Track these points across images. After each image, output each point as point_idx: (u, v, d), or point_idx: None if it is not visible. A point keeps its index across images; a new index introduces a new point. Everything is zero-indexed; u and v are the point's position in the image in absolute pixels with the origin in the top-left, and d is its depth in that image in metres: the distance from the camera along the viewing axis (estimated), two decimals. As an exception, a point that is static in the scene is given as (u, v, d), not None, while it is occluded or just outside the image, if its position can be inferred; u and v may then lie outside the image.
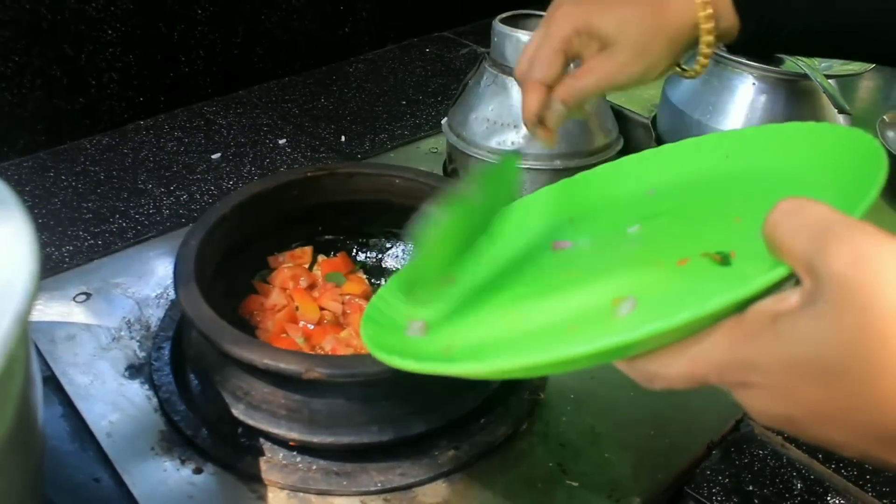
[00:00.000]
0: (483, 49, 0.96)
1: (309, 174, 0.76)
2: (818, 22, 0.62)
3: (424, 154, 1.08)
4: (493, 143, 0.91)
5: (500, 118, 0.91)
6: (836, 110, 1.01)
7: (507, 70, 0.91)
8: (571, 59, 0.62)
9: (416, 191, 0.77)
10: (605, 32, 0.59)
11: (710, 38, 0.60)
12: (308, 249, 0.79)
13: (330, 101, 1.21)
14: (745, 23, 0.61)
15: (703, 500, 0.62)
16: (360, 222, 0.80)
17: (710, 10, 0.59)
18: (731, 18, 0.61)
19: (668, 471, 0.63)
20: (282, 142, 1.09)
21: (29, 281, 0.40)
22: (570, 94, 0.61)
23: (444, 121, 0.99)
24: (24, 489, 0.46)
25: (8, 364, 0.36)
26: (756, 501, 0.62)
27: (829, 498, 0.62)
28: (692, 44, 0.61)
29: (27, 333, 0.45)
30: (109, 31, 1.04)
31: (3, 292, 0.39)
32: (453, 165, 0.98)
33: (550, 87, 0.61)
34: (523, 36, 0.88)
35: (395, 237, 0.81)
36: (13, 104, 0.99)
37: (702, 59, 0.63)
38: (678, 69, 0.65)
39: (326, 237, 0.81)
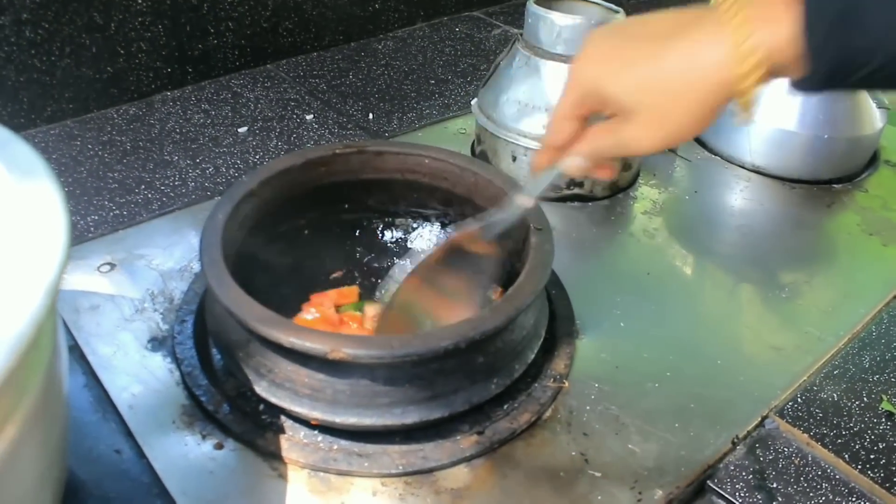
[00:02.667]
0: (515, 30, 0.94)
1: (338, 151, 0.75)
2: None
3: (453, 135, 1.07)
4: (524, 125, 0.90)
5: (532, 101, 0.89)
6: (874, 104, 0.99)
7: (540, 52, 0.89)
8: (589, 117, 0.56)
9: (445, 171, 0.76)
10: (616, 100, 0.51)
11: (752, 95, 0.47)
12: (354, 290, 0.77)
13: (358, 77, 1.20)
14: (816, 63, 0.45)
15: (727, 496, 0.61)
16: (387, 201, 0.80)
17: (755, 59, 0.46)
18: (790, 58, 0.45)
19: (692, 464, 0.63)
20: (309, 117, 1.08)
21: (59, 253, 0.40)
22: (585, 151, 0.56)
23: (473, 101, 0.98)
24: (50, 457, 0.46)
25: (37, 334, 0.36)
26: (780, 499, 0.61)
27: (853, 499, 0.61)
28: (733, 98, 0.49)
29: (56, 304, 0.44)
30: (139, 1, 1.03)
31: (34, 263, 0.39)
32: (482, 147, 0.97)
33: (568, 148, 0.57)
34: (557, 18, 0.87)
35: (423, 217, 0.81)
36: (42, 71, 0.99)
37: (744, 114, 0.49)
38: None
39: (353, 215, 0.80)
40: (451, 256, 0.68)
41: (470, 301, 0.67)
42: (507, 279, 0.73)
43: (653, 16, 0.52)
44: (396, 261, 0.77)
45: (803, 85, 0.47)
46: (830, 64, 0.45)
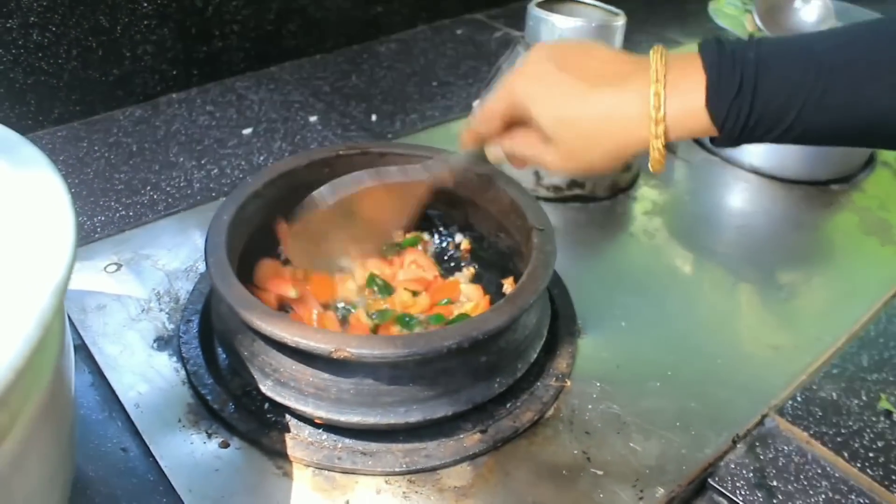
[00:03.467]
0: (516, 32, 0.95)
1: (341, 152, 0.76)
2: (813, 115, 0.49)
3: (455, 136, 1.05)
4: (526, 127, 0.90)
5: (534, 102, 0.90)
6: None
7: (542, 54, 0.90)
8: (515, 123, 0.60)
9: (447, 173, 0.77)
10: (539, 124, 0.56)
11: (659, 153, 0.53)
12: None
13: (361, 79, 1.21)
14: (725, 129, 0.51)
15: (727, 494, 0.62)
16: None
17: (662, 129, 0.51)
18: (699, 124, 0.51)
19: (693, 463, 0.63)
20: (313, 119, 1.09)
21: (67, 253, 0.41)
22: (506, 149, 0.62)
23: (475, 103, 0.99)
24: (59, 455, 0.46)
25: (44, 334, 0.37)
26: (780, 497, 0.61)
27: (853, 497, 0.62)
28: (641, 151, 0.54)
29: (63, 305, 0.45)
30: (145, 4, 1.04)
31: (41, 264, 0.39)
32: (484, 148, 0.98)
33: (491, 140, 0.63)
34: (558, 20, 0.87)
35: (426, 219, 0.81)
36: (49, 74, 1.00)
37: (654, 165, 0.54)
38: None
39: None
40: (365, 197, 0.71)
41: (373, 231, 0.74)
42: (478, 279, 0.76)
43: (595, 51, 0.57)
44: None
45: (717, 143, 0.53)
46: (735, 128, 0.51)
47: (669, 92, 0.51)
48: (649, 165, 0.55)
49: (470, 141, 0.65)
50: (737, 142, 0.52)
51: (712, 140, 0.53)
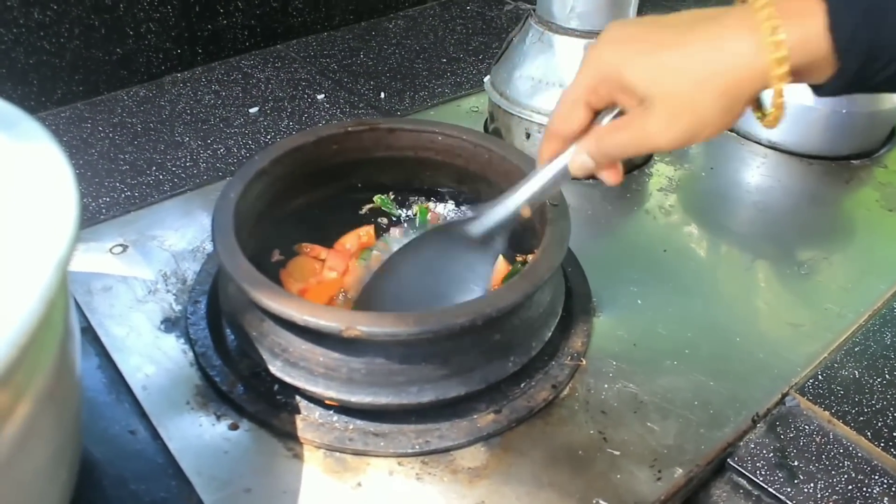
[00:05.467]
0: (527, 5, 0.93)
1: (349, 129, 0.75)
2: None
3: (465, 113, 1.06)
4: (537, 102, 0.89)
5: (546, 77, 0.88)
6: None
7: (554, 27, 0.88)
8: (603, 109, 0.52)
9: (458, 148, 0.75)
10: (635, 86, 0.48)
11: (782, 86, 0.46)
12: (370, 229, 0.78)
13: (369, 57, 1.19)
14: (846, 62, 0.44)
15: (748, 474, 0.61)
16: (400, 179, 0.79)
17: (783, 52, 0.44)
18: (820, 54, 0.44)
19: (712, 442, 0.62)
20: (320, 97, 1.07)
21: (70, 228, 0.39)
22: (592, 149, 0.53)
23: (486, 79, 0.97)
24: (64, 436, 0.45)
25: (48, 311, 0.36)
26: (802, 477, 0.60)
27: (876, 477, 0.60)
28: (758, 94, 0.48)
29: (67, 281, 0.44)
30: (148, -19, 1.03)
31: (44, 238, 0.38)
32: (495, 125, 0.96)
33: (574, 139, 0.54)
34: (572, -8, 0.86)
35: (436, 194, 0.80)
36: (51, 53, 0.98)
37: (774, 111, 0.48)
38: (755, 112, 0.51)
39: (365, 193, 0.79)
40: (443, 243, 0.66)
41: (450, 295, 0.65)
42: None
43: (675, 13, 0.50)
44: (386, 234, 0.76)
45: (828, 86, 0.46)
46: (857, 60, 0.44)
47: (783, 16, 0.44)
48: (764, 118, 0.48)
49: (550, 151, 0.55)
50: (852, 81, 0.45)
51: (817, 88, 0.47)
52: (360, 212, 0.80)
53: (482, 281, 0.64)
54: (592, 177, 0.56)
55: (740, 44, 0.45)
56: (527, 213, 0.60)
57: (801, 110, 0.97)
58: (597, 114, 0.53)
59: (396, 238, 0.75)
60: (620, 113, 0.52)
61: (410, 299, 0.66)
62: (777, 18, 0.44)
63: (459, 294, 0.64)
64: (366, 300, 0.66)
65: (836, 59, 0.44)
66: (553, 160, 0.55)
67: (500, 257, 0.70)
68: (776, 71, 0.45)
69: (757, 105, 0.50)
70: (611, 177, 0.55)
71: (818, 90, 0.47)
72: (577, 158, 0.53)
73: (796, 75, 0.45)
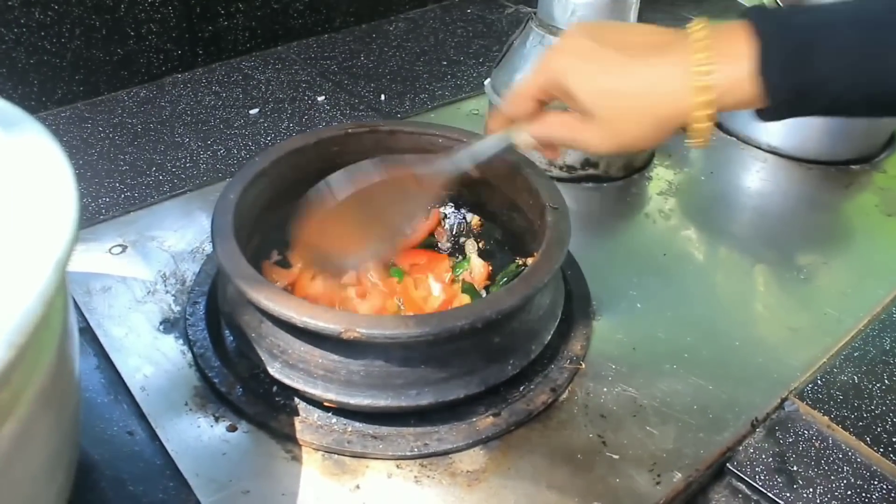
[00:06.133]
0: (528, 9, 0.93)
1: (350, 130, 0.75)
2: (865, 84, 0.47)
3: (465, 115, 1.06)
4: (538, 105, 0.89)
5: (546, 80, 0.88)
6: None
7: (555, 31, 0.88)
8: (549, 102, 0.58)
9: (459, 151, 0.75)
10: (578, 99, 0.53)
11: (706, 125, 0.50)
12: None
13: (370, 59, 1.19)
14: (773, 100, 0.48)
15: (747, 479, 0.60)
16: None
17: (711, 96, 0.49)
18: (750, 93, 0.48)
19: (711, 447, 0.62)
20: (320, 99, 1.07)
21: (69, 228, 0.39)
22: (537, 133, 0.58)
23: (486, 81, 0.97)
24: (62, 436, 0.45)
25: (47, 310, 0.35)
26: (801, 483, 0.60)
27: (875, 482, 0.60)
28: (685, 125, 0.51)
29: (65, 281, 0.44)
30: (149, -19, 1.03)
31: (43, 238, 0.38)
32: (495, 128, 0.96)
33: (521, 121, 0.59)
34: (572, -5, 0.86)
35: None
36: (52, 53, 0.98)
37: (698, 140, 0.52)
38: (685, 133, 0.53)
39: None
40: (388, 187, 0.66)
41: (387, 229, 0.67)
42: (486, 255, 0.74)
43: (633, 27, 0.55)
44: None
45: (763, 116, 0.50)
46: (786, 98, 0.48)
47: (715, 59, 0.48)
48: (689, 141, 0.52)
49: (497, 125, 0.61)
50: (787, 112, 0.49)
51: (759, 113, 0.50)
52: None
53: (422, 212, 0.73)
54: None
55: (673, 82, 0.50)
56: (474, 172, 0.64)
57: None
58: (544, 104, 0.58)
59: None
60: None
61: (359, 227, 0.66)
62: (709, 63, 0.48)
63: (404, 221, 0.68)
64: (318, 233, 0.65)
65: (764, 98, 0.48)
66: (499, 133, 0.61)
67: (476, 256, 0.75)
68: (701, 112, 0.49)
69: (685, 129, 0.53)
70: (550, 154, 0.62)
71: (758, 115, 0.51)
72: (522, 136, 0.60)
73: (725, 109, 0.49)
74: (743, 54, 0.48)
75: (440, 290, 0.70)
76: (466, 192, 0.79)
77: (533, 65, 0.57)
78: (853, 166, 1.01)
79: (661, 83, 0.50)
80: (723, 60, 0.48)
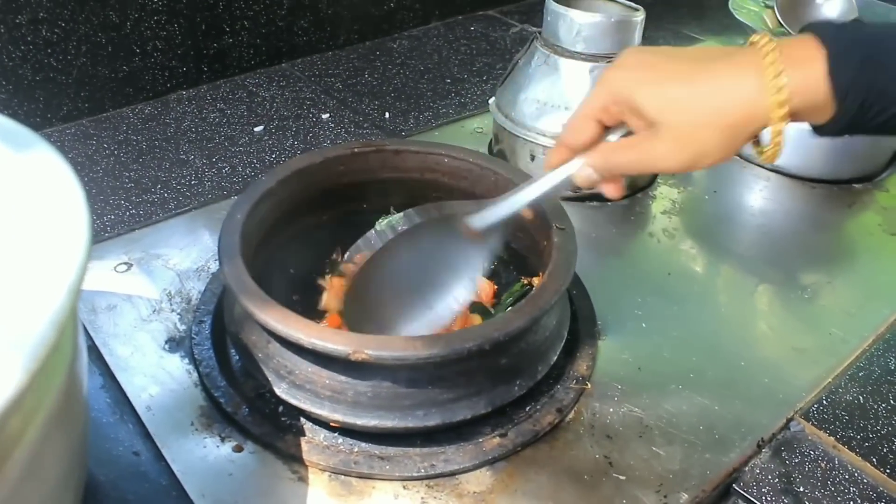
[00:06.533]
0: (533, 28, 0.93)
1: (356, 149, 0.75)
2: None
3: (469, 134, 1.06)
4: (542, 124, 0.89)
5: (551, 99, 0.88)
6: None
7: (559, 50, 0.88)
8: (612, 126, 0.54)
9: (464, 170, 0.75)
10: (646, 111, 0.50)
11: (782, 125, 0.48)
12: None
13: (374, 76, 1.20)
14: (844, 106, 0.47)
15: (753, 500, 0.60)
16: (406, 200, 0.79)
17: (784, 96, 0.47)
18: (819, 98, 0.47)
19: (717, 467, 0.62)
20: (325, 116, 1.07)
21: (81, 252, 0.39)
22: (599, 164, 0.54)
23: (491, 100, 0.97)
24: (71, 459, 0.45)
25: (59, 336, 0.35)
26: (807, 503, 0.60)
27: (882, 503, 0.60)
28: (759, 132, 0.50)
29: (77, 305, 0.44)
30: (155, 0, 1.03)
31: (55, 263, 0.38)
32: (500, 146, 0.96)
33: (582, 150, 0.55)
34: (577, 15, 0.86)
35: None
36: (58, 70, 0.99)
37: (772, 148, 0.50)
38: (754, 146, 0.52)
39: (371, 215, 0.79)
40: (433, 235, 0.64)
41: (448, 289, 0.64)
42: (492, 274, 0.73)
43: (689, 47, 0.53)
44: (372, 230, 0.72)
45: (826, 128, 0.49)
46: (854, 105, 0.47)
47: (787, 62, 0.47)
48: (762, 154, 0.51)
49: (558, 158, 0.56)
50: (850, 124, 0.48)
51: (817, 128, 0.50)
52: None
53: (474, 272, 0.64)
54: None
55: (745, 85, 0.48)
56: (528, 214, 0.61)
57: (803, 135, 0.95)
58: (606, 130, 0.55)
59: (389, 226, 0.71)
60: (629, 132, 0.54)
61: (404, 289, 0.65)
62: (781, 63, 0.47)
63: (453, 282, 0.64)
64: (359, 291, 0.65)
65: (834, 104, 0.47)
66: (559, 167, 0.57)
67: (482, 277, 0.70)
68: (777, 112, 0.47)
69: (756, 140, 0.51)
70: (612, 191, 0.57)
71: (818, 130, 0.50)
72: (583, 170, 0.55)
73: (796, 116, 0.48)
74: (814, 59, 0.47)
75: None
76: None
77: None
78: (856, 185, 1.01)
79: (734, 87, 0.48)
80: (794, 64, 0.47)
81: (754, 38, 0.49)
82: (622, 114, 0.52)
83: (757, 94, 0.47)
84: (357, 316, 0.64)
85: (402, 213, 0.66)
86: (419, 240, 0.65)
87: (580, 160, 0.55)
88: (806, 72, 0.47)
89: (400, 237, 0.63)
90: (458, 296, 0.64)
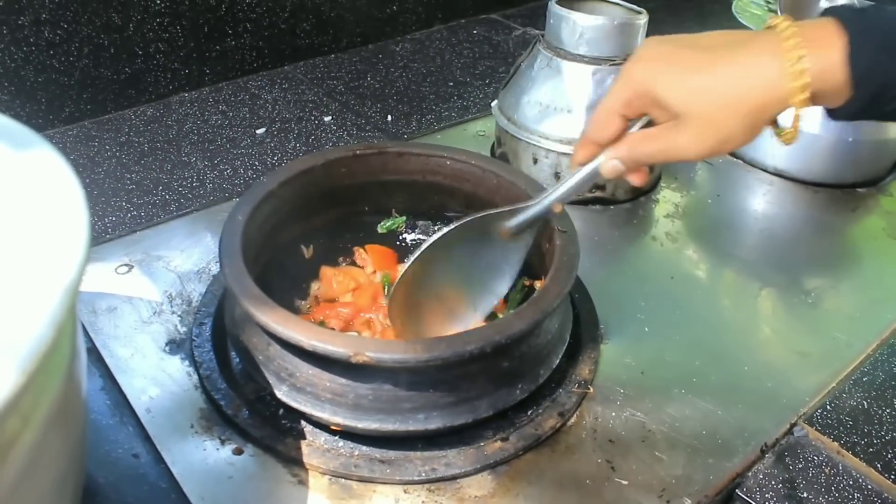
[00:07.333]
0: (536, 31, 0.93)
1: (358, 152, 0.74)
2: None
3: (472, 136, 1.06)
4: (545, 127, 0.89)
5: (554, 102, 0.88)
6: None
7: (562, 53, 0.88)
8: (635, 119, 0.55)
9: (467, 173, 0.75)
10: (668, 103, 0.51)
11: (802, 108, 0.49)
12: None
13: (376, 79, 1.20)
14: (860, 90, 0.48)
15: (756, 506, 0.60)
16: (408, 203, 0.79)
17: (806, 80, 0.47)
18: (837, 82, 0.48)
19: (720, 473, 0.61)
20: (327, 119, 1.07)
21: (80, 252, 0.39)
22: (624, 155, 0.56)
23: (493, 103, 0.97)
24: (69, 460, 0.45)
25: (57, 336, 0.35)
26: (811, 509, 0.60)
27: (887, 510, 0.60)
28: (779, 113, 0.51)
29: (76, 305, 0.43)
30: (157, 1, 1.03)
31: (54, 263, 0.38)
32: (502, 149, 0.96)
33: (608, 145, 0.57)
34: (580, 18, 0.86)
35: (444, 219, 0.80)
36: (60, 72, 0.99)
37: (791, 130, 0.52)
38: (773, 129, 0.54)
39: (373, 217, 0.79)
40: (474, 238, 0.65)
41: (489, 289, 0.68)
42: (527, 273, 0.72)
43: (706, 33, 0.53)
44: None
45: (842, 111, 0.50)
46: (870, 90, 0.47)
47: (806, 45, 0.47)
48: (781, 136, 0.52)
49: (585, 154, 0.58)
50: (865, 108, 0.49)
51: (832, 112, 0.50)
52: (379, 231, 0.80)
53: (513, 268, 0.67)
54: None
55: (766, 70, 0.48)
56: (558, 209, 0.62)
57: (807, 138, 0.97)
58: (630, 121, 0.56)
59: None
60: (650, 122, 0.55)
61: (449, 287, 0.67)
62: (802, 48, 0.47)
63: (496, 280, 0.67)
64: (406, 291, 0.65)
65: (851, 88, 0.48)
66: (587, 163, 0.58)
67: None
68: (798, 97, 0.48)
69: (775, 122, 0.52)
70: (637, 178, 0.59)
71: (832, 114, 0.51)
72: (609, 163, 0.57)
73: (814, 99, 0.49)
74: (833, 42, 0.47)
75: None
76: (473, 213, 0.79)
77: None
78: (859, 189, 1.00)
79: (755, 72, 0.49)
80: (813, 47, 0.47)
81: (773, 20, 0.50)
82: (645, 107, 0.53)
83: (778, 79, 0.48)
84: (404, 319, 0.65)
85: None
86: (459, 243, 0.65)
87: (606, 153, 0.56)
88: (826, 56, 0.47)
89: (439, 241, 0.64)
90: (499, 292, 0.68)
